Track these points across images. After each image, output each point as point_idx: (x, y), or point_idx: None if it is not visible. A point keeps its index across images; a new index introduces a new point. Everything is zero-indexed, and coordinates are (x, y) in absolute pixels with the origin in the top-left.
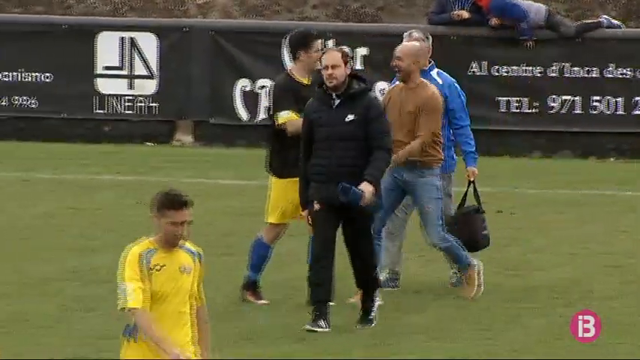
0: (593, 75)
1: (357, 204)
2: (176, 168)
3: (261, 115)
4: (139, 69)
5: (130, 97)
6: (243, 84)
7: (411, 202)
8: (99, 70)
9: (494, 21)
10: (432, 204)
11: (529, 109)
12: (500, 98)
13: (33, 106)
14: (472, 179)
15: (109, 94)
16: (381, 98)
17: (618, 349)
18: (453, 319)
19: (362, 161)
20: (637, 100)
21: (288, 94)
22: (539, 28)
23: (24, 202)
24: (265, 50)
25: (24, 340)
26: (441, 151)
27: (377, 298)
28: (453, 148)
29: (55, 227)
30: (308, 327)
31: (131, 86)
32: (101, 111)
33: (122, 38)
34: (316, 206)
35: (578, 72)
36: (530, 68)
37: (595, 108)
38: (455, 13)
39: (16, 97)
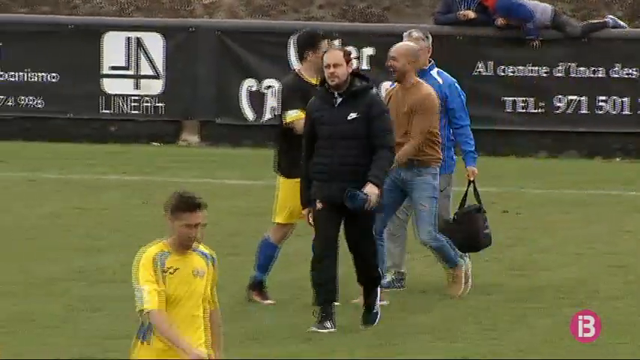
0: (599, 75)
1: (364, 208)
2: (182, 168)
3: (267, 115)
4: (145, 69)
5: (136, 97)
6: (249, 84)
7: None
8: (105, 70)
9: (500, 21)
10: (427, 202)
11: (535, 109)
12: (506, 98)
13: (39, 106)
14: (472, 179)
15: (115, 94)
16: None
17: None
18: (458, 319)
19: (364, 160)
20: None
21: (296, 93)
22: (545, 28)
23: (30, 202)
24: (271, 50)
25: (30, 340)
26: (439, 150)
27: (379, 293)
28: (452, 149)
29: (62, 227)
30: (314, 329)
31: (137, 86)
32: (107, 111)
33: (128, 38)
34: (318, 205)
35: (584, 72)
36: (536, 68)
37: (601, 108)
38: (461, 13)
39: (23, 97)
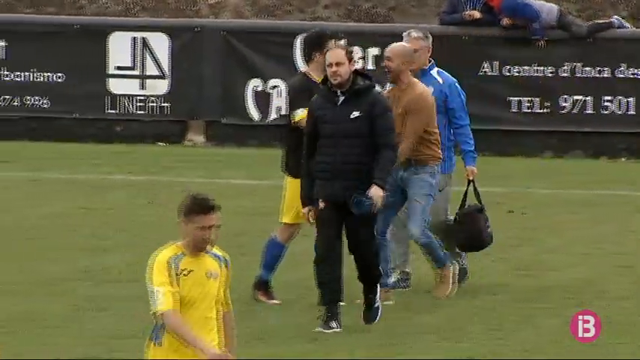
0: (605, 75)
1: (370, 212)
2: (188, 168)
3: (273, 115)
4: (151, 69)
5: (142, 97)
6: (254, 84)
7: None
8: (111, 70)
9: (505, 21)
10: (422, 199)
11: (540, 109)
12: (511, 98)
13: (45, 106)
14: (471, 178)
15: (121, 94)
16: None
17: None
18: (464, 319)
19: (367, 158)
20: None
21: (304, 93)
22: (550, 28)
23: (36, 201)
24: (277, 50)
25: (35, 340)
26: (437, 149)
27: (379, 290)
28: (452, 149)
29: (67, 227)
30: (320, 329)
31: (143, 86)
32: (113, 111)
33: (134, 38)
34: (321, 205)
35: (590, 72)
36: (542, 68)
37: (606, 108)
38: (466, 13)
39: (28, 97)
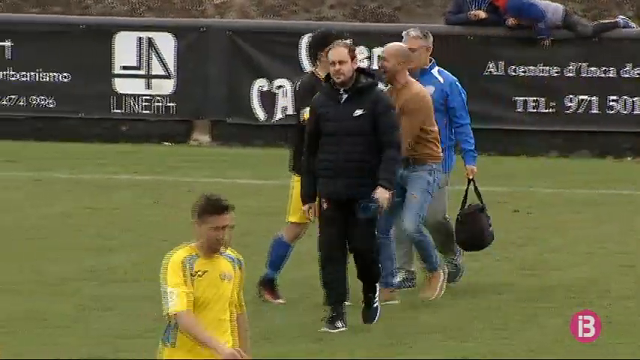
0: (610, 75)
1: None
2: (193, 168)
3: (279, 115)
4: (157, 69)
5: (148, 97)
6: (260, 84)
7: None
8: (116, 70)
9: (511, 21)
10: (419, 193)
11: (546, 108)
12: (517, 98)
13: (51, 106)
14: (471, 177)
15: (127, 94)
16: None
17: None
18: (469, 318)
19: (370, 156)
20: None
21: (312, 92)
22: (556, 28)
23: (41, 201)
24: (282, 50)
25: (41, 340)
26: (436, 147)
27: (377, 289)
28: (453, 148)
29: (73, 227)
30: (325, 329)
31: (148, 86)
32: (118, 111)
33: (140, 38)
34: (324, 205)
35: (595, 72)
36: (547, 68)
37: (612, 108)
38: (472, 13)
39: (34, 97)
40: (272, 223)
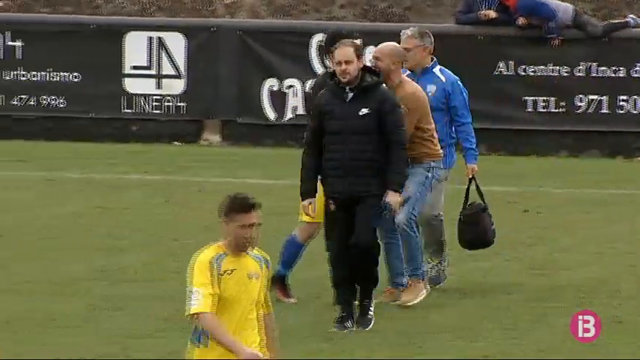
0: (620, 75)
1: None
2: (204, 167)
3: (289, 114)
4: (167, 69)
5: (158, 97)
6: (270, 84)
7: None
8: (127, 70)
9: (521, 20)
10: (413, 186)
11: (556, 108)
12: (527, 98)
13: (61, 105)
14: (471, 176)
15: (137, 94)
16: None
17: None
18: (478, 318)
19: (377, 155)
20: None
21: None
22: (566, 28)
23: (52, 201)
24: (293, 50)
25: (51, 339)
26: (432, 146)
27: (373, 298)
28: (454, 146)
29: (83, 227)
30: (335, 329)
31: (159, 86)
32: (129, 110)
33: (150, 38)
34: (332, 207)
35: (605, 71)
36: (557, 68)
37: (622, 107)
38: (482, 12)
39: (45, 97)
40: (282, 223)
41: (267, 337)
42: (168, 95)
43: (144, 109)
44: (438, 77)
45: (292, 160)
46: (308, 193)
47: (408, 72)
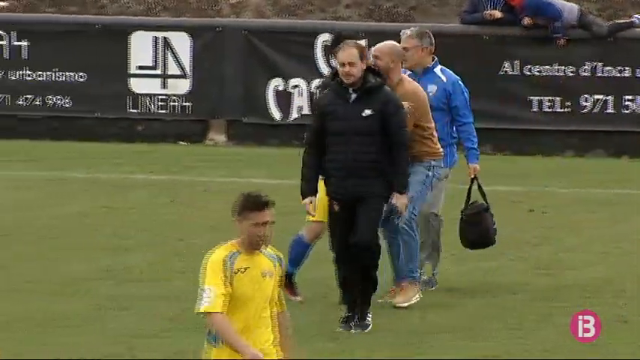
0: (626, 74)
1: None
2: (209, 167)
3: (294, 114)
4: (172, 68)
5: (164, 97)
6: (275, 83)
7: None
8: (132, 70)
9: (526, 20)
10: (414, 185)
11: (561, 108)
12: (532, 97)
13: (67, 105)
14: (473, 176)
15: (143, 94)
16: None
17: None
18: (483, 317)
19: (380, 156)
20: None
21: None
22: (571, 28)
23: (57, 201)
24: (298, 50)
25: (57, 339)
26: (432, 144)
27: (370, 302)
28: (455, 145)
29: (89, 226)
30: (341, 329)
31: (164, 86)
32: (134, 110)
33: (155, 38)
34: (335, 208)
35: (610, 71)
36: (563, 68)
37: (627, 107)
38: (487, 12)
39: (50, 97)
40: (287, 223)
41: (281, 335)
42: (174, 95)
43: (149, 109)
44: (439, 77)
45: (297, 160)
46: (308, 191)
47: (409, 72)
